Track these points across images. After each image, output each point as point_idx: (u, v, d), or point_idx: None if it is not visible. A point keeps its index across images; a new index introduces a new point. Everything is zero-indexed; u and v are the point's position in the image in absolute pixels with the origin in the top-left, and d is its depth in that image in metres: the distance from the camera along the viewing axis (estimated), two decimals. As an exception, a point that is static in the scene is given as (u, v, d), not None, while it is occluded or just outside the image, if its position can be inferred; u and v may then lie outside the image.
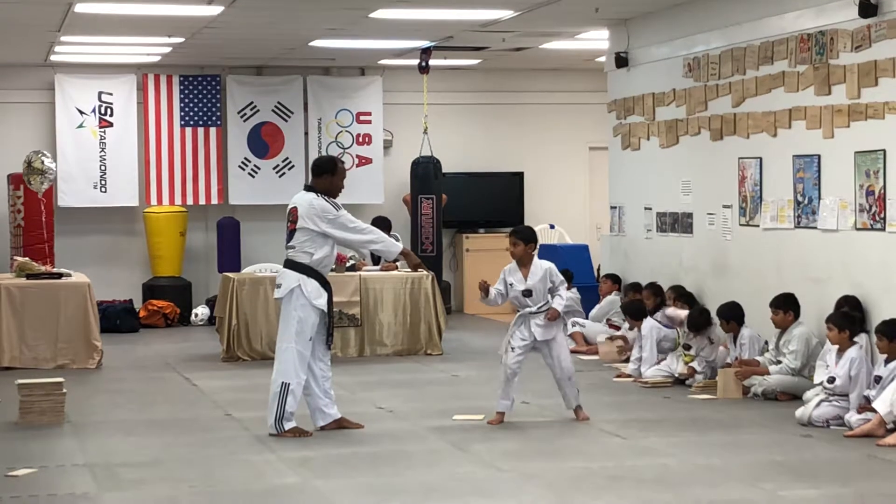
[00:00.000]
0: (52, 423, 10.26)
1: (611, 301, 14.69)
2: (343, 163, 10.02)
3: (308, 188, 9.82)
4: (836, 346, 10.02)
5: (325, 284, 9.67)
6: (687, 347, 12.04)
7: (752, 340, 11.61)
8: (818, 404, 9.86)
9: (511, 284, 10.14)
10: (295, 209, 9.70)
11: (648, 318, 12.69)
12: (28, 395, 10.35)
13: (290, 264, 9.68)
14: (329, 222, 9.60)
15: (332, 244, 9.69)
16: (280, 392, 9.55)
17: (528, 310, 10.11)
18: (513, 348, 10.14)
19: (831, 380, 9.90)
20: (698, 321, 11.95)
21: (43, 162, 16.57)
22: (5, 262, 16.92)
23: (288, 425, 9.57)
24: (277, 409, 9.56)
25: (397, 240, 14.79)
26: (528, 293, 10.09)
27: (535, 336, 10.08)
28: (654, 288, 13.62)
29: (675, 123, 13.85)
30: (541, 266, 10.16)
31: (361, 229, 9.74)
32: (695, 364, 11.89)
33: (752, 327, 11.74)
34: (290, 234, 9.70)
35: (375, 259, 15.60)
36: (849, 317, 10.18)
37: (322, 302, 9.61)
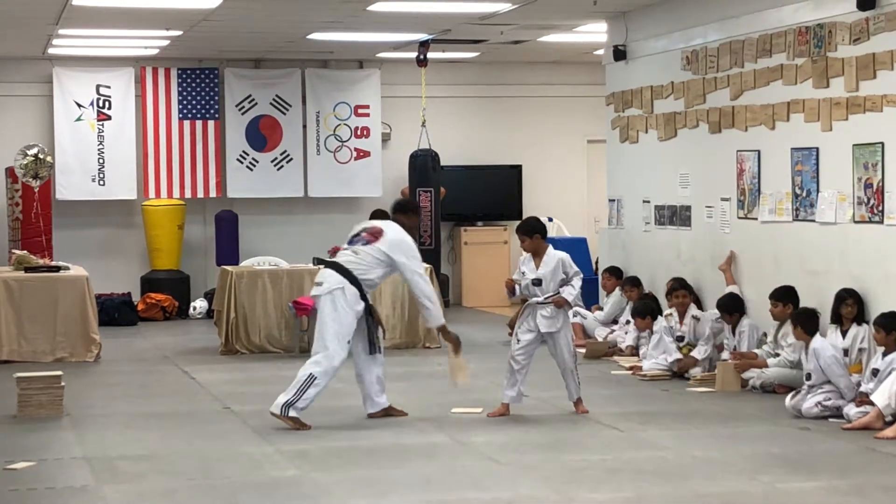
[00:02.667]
0: (51, 416, 10.27)
1: (616, 302, 14.46)
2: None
3: (395, 219, 10.14)
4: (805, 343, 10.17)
5: (363, 296, 9.84)
6: (680, 339, 12.09)
7: (752, 329, 11.62)
8: (804, 398, 9.91)
9: (524, 273, 10.19)
10: (381, 230, 9.94)
11: (660, 316, 12.67)
12: (26, 388, 10.35)
13: (338, 267, 9.82)
14: (409, 258, 9.88)
15: (387, 273, 9.96)
16: (304, 381, 9.62)
17: (535, 299, 10.12)
18: (518, 339, 10.15)
19: (808, 376, 9.98)
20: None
21: (26, 154, 16.51)
22: (3, 256, 16.93)
23: (293, 413, 9.60)
24: (294, 395, 9.59)
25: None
26: (537, 282, 10.11)
27: (538, 327, 10.08)
28: (646, 296, 13.67)
29: (674, 116, 13.85)
30: (554, 256, 10.20)
31: (426, 279, 10.06)
32: (696, 353, 11.91)
33: (750, 319, 11.75)
34: (363, 241, 9.90)
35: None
36: (808, 313, 10.32)
37: (360, 309, 9.78)
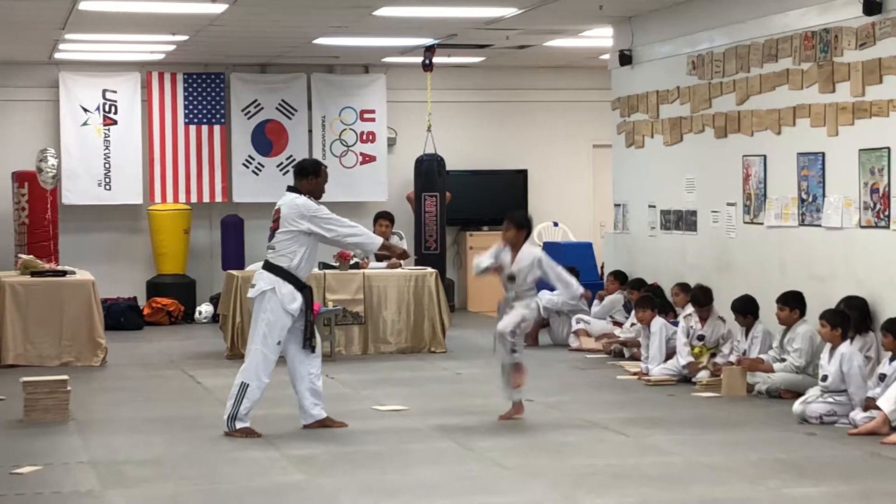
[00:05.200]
0: (57, 420, 10.27)
1: (613, 300, 14.64)
2: (326, 167, 9.99)
3: (291, 189, 9.81)
4: (829, 344, 10.03)
5: (301, 288, 9.62)
6: (700, 338, 12.07)
7: (765, 335, 11.56)
8: (812, 401, 9.88)
9: (502, 262, 10.17)
10: (278, 210, 9.71)
11: (657, 316, 12.63)
12: (32, 392, 10.36)
13: (269, 266, 9.68)
14: (310, 219, 9.57)
15: (311, 247, 9.65)
16: (238, 391, 9.55)
17: (508, 294, 10.11)
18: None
19: (824, 378, 9.93)
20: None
21: (47, 160, 16.61)
22: (10, 260, 16.94)
23: (239, 425, 9.54)
24: (232, 407, 9.55)
25: (401, 238, 14.88)
26: (511, 278, 10.09)
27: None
28: (649, 288, 13.71)
29: (679, 121, 13.85)
30: (529, 254, 10.13)
31: (342, 223, 9.70)
32: (714, 358, 11.93)
33: (764, 325, 11.69)
34: (272, 233, 9.73)
35: (379, 256, 15.59)
36: (842, 314, 10.18)
37: (295, 307, 9.56)
